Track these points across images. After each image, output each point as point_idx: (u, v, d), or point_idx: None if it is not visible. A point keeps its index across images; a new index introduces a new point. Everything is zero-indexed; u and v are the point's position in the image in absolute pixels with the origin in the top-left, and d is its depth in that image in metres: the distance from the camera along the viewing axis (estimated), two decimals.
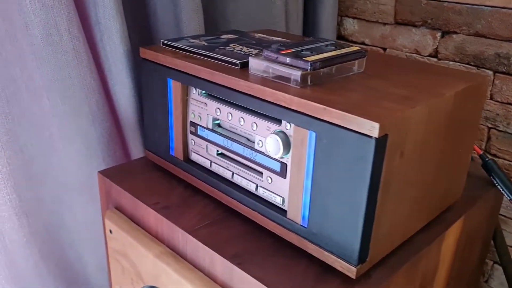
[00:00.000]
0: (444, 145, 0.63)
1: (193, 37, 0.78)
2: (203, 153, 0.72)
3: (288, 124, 0.58)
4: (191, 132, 0.73)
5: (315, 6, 1.08)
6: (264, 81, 0.60)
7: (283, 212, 0.62)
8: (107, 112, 0.84)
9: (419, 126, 0.56)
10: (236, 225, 0.68)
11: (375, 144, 0.49)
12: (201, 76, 0.66)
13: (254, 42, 0.77)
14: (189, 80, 0.69)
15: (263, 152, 0.63)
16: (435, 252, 0.69)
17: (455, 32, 1.04)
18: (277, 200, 0.63)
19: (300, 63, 0.58)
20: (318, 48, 0.63)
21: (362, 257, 0.55)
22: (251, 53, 0.69)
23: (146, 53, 0.75)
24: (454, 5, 1.02)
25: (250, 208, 0.66)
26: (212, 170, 0.72)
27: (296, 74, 0.58)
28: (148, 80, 0.76)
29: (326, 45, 0.65)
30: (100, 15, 0.76)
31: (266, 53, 0.62)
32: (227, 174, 0.69)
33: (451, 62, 1.06)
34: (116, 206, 0.80)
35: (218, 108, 0.67)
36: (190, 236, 0.66)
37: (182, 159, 0.75)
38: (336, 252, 0.57)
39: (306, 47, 0.64)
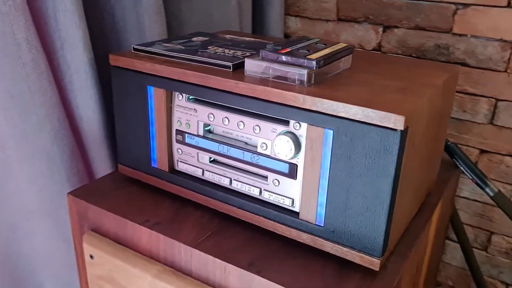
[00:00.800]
0: (434, 134, 0.67)
1: (164, 41, 0.74)
2: (193, 162, 0.69)
3: (298, 124, 0.58)
4: (178, 141, 0.69)
5: (263, 5, 1.08)
6: (265, 82, 0.59)
7: (294, 213, 0.62)
8: (69, 128, 0.76)
9: (423, 117, 0.58)
10: (239, 232, 0.66)
11: (400, 137, 0.50)
12: (190, 81, 0.63)
13: (230, 43, 0.75)
14: (175, 86, 0.65)
15: (268, 155, 0.61)
16: (425, 235, 0.72)
17: (396, 27, 1.10)
18: (286, 202, 0.62)
19: (304, 62, 0.58)
20: (311, 46, 0.63)
21: (384, 248, 0.56)
22: (236, 55, 0.67)
23: (118, 60, 0.70)
24: (394, 1, 1.08)
25: (253, 213, 0.64)
26: (205, 178, 0.69)
27: (301, 73, 0.57)
28: (121, 89, 0.71)
29: (316, 43, 0.65)
30: (61, 21, 0.69)
31: (264, 53, 0.60)
32: (224, 181, 0.67)
33: (394, 55, 1.12)
34: (94, 228, 0.73)
35: (211, 114, 0.65)
36: (196, 250, 0.62)
37: (167, 170, 0.71)
38: (357, 247, 0.57)
39: (299, 45, 0.63)
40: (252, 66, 0.61)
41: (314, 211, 0.59)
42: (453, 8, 1.02)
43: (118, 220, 0.69)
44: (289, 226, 0.62)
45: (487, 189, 0.88)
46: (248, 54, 0.68)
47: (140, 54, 0.70)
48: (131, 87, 0.70)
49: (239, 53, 0.68)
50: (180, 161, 0.70)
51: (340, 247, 0.58)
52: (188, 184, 0.70)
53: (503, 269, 1.15)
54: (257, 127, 0.61)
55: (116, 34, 0.81)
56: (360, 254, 0.57)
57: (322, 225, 0.59)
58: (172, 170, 0.72)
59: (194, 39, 0.77)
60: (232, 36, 0.81)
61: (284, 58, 0.59)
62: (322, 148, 0.56)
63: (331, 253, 0.59)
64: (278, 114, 0.58)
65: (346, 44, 0.66)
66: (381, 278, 0.58)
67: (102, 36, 0.80)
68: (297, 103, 0.56)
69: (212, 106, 0.64)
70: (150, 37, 0.80)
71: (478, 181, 0.88)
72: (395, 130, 0.50)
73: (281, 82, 0.59)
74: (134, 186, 0.76)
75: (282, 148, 0.58)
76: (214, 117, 0.64)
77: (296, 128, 0.58)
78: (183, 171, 0.71)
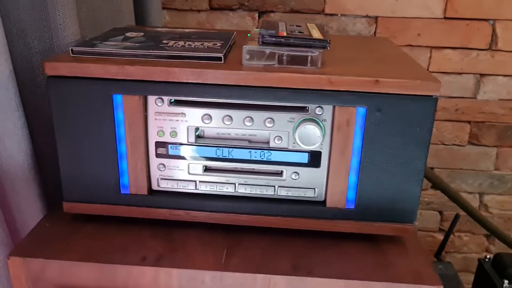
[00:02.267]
0: None
1: (100, 40, 0.60)
2: (182, 176, 0.59)
3: (320, 108, 0.54)
4: (159, 156, 0.58)
5: (142, 0, 0.97)
6: (274, 69, 0.54)
7: (319, 203, 0.58)
8: None
9: None
10: (257, 239, 0.59)
11: (435, 103, 0.53)
12: (179, 80, 0.53)
13: (178, 36, 0.65)
14: (157, 90, 0.54)
15: (285, 148, 0.56)
16: None
17: (273, 11, 1.12)
18: (308, 194, 0.58)
19: (316, 42, 0.54)
20: (298, 28, 0.60)
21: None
22: (209, 46, 0.59)
23: (59, 68, 0.54)
24: None
25: (268, 215, 0.59)
26: (199, 191, 0.59)
27: (315, 54, 0.54)
28: (66, 105, 0.55)
29: (298, 25, 0.62)
30: None
31: (266, 38, 0.54)
32: (228, 189, 0.59)
33: None
34: None
35: (208, 114, 0.56)
36: (226, 273, 0.54)
37: (146, 193, 0.59)
38: (390, 219, 0.58)
39: (286, 28, 0.59)
40: (253, 54, 0.55)
41: (344, 196, 0.57)
42: None
43: (99, 269, 0.54)
44: (316, 218, 0.58)
45: None
46: (218, 44, 0.60)
47: (86, 57, 0.55)
48: (83, 100, 0.55)
49: (208, 44, 0.60)
50: (163, 179, 0.59)
51: (372, 223, 0.58)
52: (176, 204, 0.59)
53: None
54: (270, 120, 0.55)
55: (17, 38, 0.62)
56: (394, 225, 0.58)
57: (353, 207, 0.58)
58: (151, 192, 0.60)
59: (129, 34, 0.65)
60: (166, 29, 0.71)
61: (292, 40, 0.54)
62: (354, 128, 0.54)
63: (364, 232, 0.59)
64: (297, 101, 0.54)
65: (315, 24, 0.65)
66: (411, 241, 0.60)
67: None
68: (322, 85, 0.53)
69: (207, 105, 0.56)
70: (63, 39, 0.64)
71: None
72: (431, 96, 0.52)
73: (290, 67, 0.54)
74: (92, 224, 0.61)
75: (309, 136, 0.54)
76: (211, 118, 0.56)
77: (319, 112, 0.55)
78: (168, 189, 0.59)
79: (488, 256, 1.00)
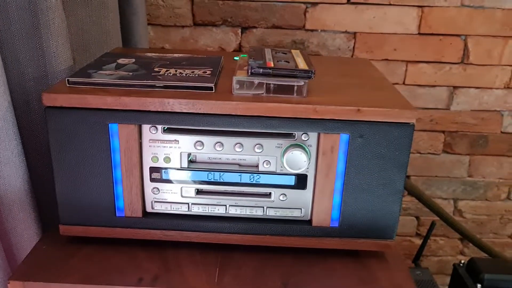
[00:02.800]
0: None
1: (94, 69, 0.63)
2: (175, 199, 0.61)
3: (305, 135, 0.58)
4: (153, 180, 0.60)
5: (129, 17, 0.98)
6: (262, 99, 0.57)
7: (305, 222, 0.62)
8: None
9: None
10: (248, 257, 0.63)
11: (413, 129, 0.57)
12: (172, 110, 0.56)
13: (168, 62, 0.68)
14: (151, 119, 0.57)
15: (273, 171, 0.60)
16: None
17: (255, 27, 1.15)
18: (295, 214, 0.62)
19: (302, 72, 0.58)
20: (283, 56, 0.64)
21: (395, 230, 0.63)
22: (199, 74, 0.62)
23: (57, 99, 0.56)
24: (249, 3, 1.13)
25: (259, 234, 0.62)
26: (192, 213, 0.62)
27: (300, 85, 0.58)
28: (64, 134, 0.57)
29: (283, 52, 0.66)
30: None
31: (255, 70, 0.58)
32: (219, 210, 0.62)
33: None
34: None
35: (200, 141, 0.59)
36: None
37: (140, 215, 0.62)
38: (372, 236, 0.62)
39: (272, 57, 0.63)
40: (243, 84, 0.58)
41: (329, 215, 0.61)
42: (303, 7, 1.13)
43: None
44: (303, 236, 0.62)
45: None
46: (208, 72, 0.63)
47: (82, 88, 0.58)
48: (80, 129, 0.57)
49: (199, 72, 0.63)
50: (156, 202, 0.62)
51: (355, 240, 0.62)
52: (169, 225, 0.62)
53: None
54: (259, 146, 0.59)
55: (7, 67, 0.63)
56: (375, 241, 0.62)
57: (337, 225, 0.61)
58: (145, 214, 0.62)
59: (121, 61, 0.67)
60: (154, 54, 0.73)
61: (279, 72, 0.58)
62: (337, 154, 0.58)
63: (347, 248, 0.63)
64: (285, 129, 0.57)
65: (298, 50, 0.69)
66: (393, 257, 0.65)
67: None
68: (307, 114, 0.56)
69: (199, 133, 0.59)
70: (56, 66, 0.66)
71: None
72: (409, 123, 0.56)
73: (277, 96, 0.58)
74: (89, 247, 0.63)
75: (295, 161, 0.58)
76: (203, 144, 0.59)
77: (305, 138, 0.58)
78: (161, 211, 0.62)
79: (462, 261, 1.06)
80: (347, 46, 1.16)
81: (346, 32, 1.15)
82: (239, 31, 1.16)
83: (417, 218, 1.35)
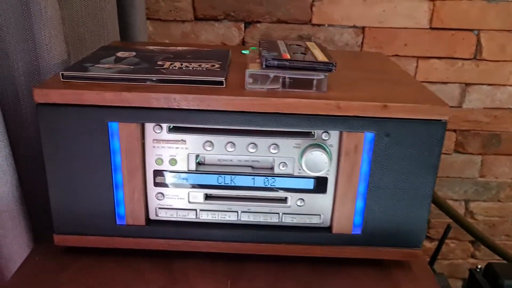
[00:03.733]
0: None
1: (91, 62, 0.57)
2: (182, 205, 0.56)
3: (326, 134, 0.53)
4: (157, 184, 0.55)
5: (127, 10, 0.93)
6: (278, 94, 0.51)
7: (324, 229, 0.57)
8: None
9: None
10: (261, 268, 0.57)
11: (445, 127, 0.51)
12: (179, 107, 0.50)
13: (172, 55, 0.62)
14: (155, 117, 0.51)
15: (290, 174, 0.54)
16: None
17: (259, 21, 1.10)
18: (314, 220, 0.56)
19: (322, 65, 0.52)
20: (299, 48, 0.58)
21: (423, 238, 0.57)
22: (206, 68, 0.56)
23: (49, 95, 0.50)
24: None
25: (273, 243, 0.57)
26: (200, 220, 0.57)
27: (320, 78, 0.52)
28: (57, 133, 0.52)
29: (298, 44, 0.60)
30: None
31: (270, 62, 0.52)
32: (230, 217, 0.56)
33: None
34: None
35: (209, 141, 0.53)
36: None
37: (143, 224, 0.56)
38: (398, 244, 0.56)
39: (287, 49, 0.57)
40: (256, 78, 0.52)
41: (351, 221, 0.56)
42: (310, 0, 1.08)
43: None
44: (322, 244, 0.56)
45: None
46: (216, 65, 0.58)
47: (78, 82, 0.52)
48: (76, 128, 0.51)
49: (206, 65, 0.58)
50: (161, 208, 0.56)
51: (379, 249, 0.57)
52: (175, 233, 0.56)
53: None
54: (275, 146, 0.53)
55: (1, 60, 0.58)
56: (401, 249, 0.57)
57: (360, 233, 0.56)
58: (149, 222, 0.57)
59: (120, 54, 0.61)
60: (155, 47, 0.67)
61: (296, 64, 0.52)
62: (361, 154, 0.53)
63: (370, 258, 0.57)
64: (303, 127, 0.52)
65: (314, 42, 0.63)
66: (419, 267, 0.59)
67: None
68: (329, 110, 0.51)
69: (209, 132, 0.53)
70: (49, 60, 0.60)
71: None
72: (440, 120, 0.51)
73: (294, 91, 0.52)
74: (86, 258, 0.57)
75: (315, 163, 0.52)
76: (213, 144, 0.53)
77: (325, 138, 0.53)
78: (166, 219, 0.57)
79: (479, 266, 1.00)
80: (355, 42, 1.11)
81: (354, 26, 1.10)
82: (242, 26, 1.10)
83: (428, 221, 1.30)
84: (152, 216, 0.57)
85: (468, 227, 1.08)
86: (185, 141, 0.53)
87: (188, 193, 0.55)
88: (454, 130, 1.20)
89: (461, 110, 1.18)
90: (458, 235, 1.31)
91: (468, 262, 1.35)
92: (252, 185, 0.55)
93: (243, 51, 0.71)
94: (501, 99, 1.17)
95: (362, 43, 1.11)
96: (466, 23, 1.10)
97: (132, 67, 0.56)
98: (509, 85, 1.16)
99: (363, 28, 1.10)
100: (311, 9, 1.08)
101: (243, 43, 1.12)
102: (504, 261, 1.10)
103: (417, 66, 1.14)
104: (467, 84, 1.16)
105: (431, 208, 1.25)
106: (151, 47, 0.67)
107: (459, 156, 1.22)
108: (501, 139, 1.21)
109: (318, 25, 1.10)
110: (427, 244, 1.32)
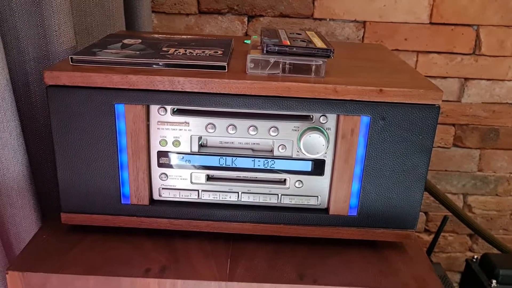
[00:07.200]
0: None
1: (99, 48, 0.59)
2: (184, 185, 0.58)
3: (324, 117, 0.55)
4: (161, 165, 0.57)
5: (133, 2, 0.95)
6: (278, 78, 0.53)
7: (321, 211, 0.59)
8: None
9: None
10: (260, 248, 0.59)
11: (438, 111, 0.53)
12: (183, 90, 0.53)
13: (177, 43, 0.64)
14: (160, 99, 0.53)
15: (289, 156, 0.56)
16: None
17: (262, 15, 1.12)
18: (311, 202, 0.58)
19: (320, 51, 0.54)
20: (298, 36, 0.60)
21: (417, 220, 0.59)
22: (210, 54, 0.58)
23: (60, 78, 0.52)
24: None
25: (272, 223, 0.59)
26: (202, 201, 0.59)
27: (319, 64, 0.54)
28: (67, 114, 0.54)
29: (298, 33, 0.62)
30: None
31: (271, 47, 0.54)
32: (231, 198, 0.58)
33: None
34: None
35: (211, 124, 0.55)
36: (233, 283, 0.54)
37: (147, 203, 0.58)
38: (392, 226, 0.58)
39: (288, 36, 0.59)
40: (257, 63, 0.54)
41: (347, 203, 0.58)
42: None
43: (103, 282, 0.53)
44: (319, 225, 0.58)
45: None
46: (219, 52, 0.60)
47: (86, 66, 0.54)
48: (84, 109, 0.54)
49: (210, 52, 0.60)
50: (164, 188, 0.58)
51: (374, 230, 0.59)
52: (177, 213, 0.58)
53: None
54: (275, 129, 0.55)
55: (13, 46, 0.60)
56: (395, 231, 0.59)
57: (356, 214, 0.58)
58: (152, 201, 0.59)
59: (126, 42, 0.63)
60: (161, 35, 0.70)
61: (296, 49, 0.54)
62: (358, 137, 0.55)
63: (366, 239, 0.59)
64: (302, 110, 0.54)
65: (314, 31, 0.65)
66: (412, 247, 0.61)
67: None
68: (327, 94, 0.53)
69: (211, 115, 0.55)
70: (58, 46, 0.62)
71: None
72: (434, 105, 0.53)
73: (293, 76, 0.54)
74: (92, 236, 0.60)
75: (313, 145, 0.54)
76: (215, 127, 0.55)
77: (323, 121, 0.55)
78: (169, 199, 0.59)
79: (475, 257, 1.02)
80: (356, 36, 1.13)
81: (355, 21, 1.12)
82: (246, 19, 1.12)
83: (426, 213, 1.32)
84: (156, 196, 0.59)
85: (467, 220, 1.10)
86: (188, 123, 0.55)
87: (191, 174, 0.58)
88: (453, 124, 1.22)
89: (460, 105, 1.20)
90: (456, 228, 1.32)
91: (465, 255, 1.37)
92: (252, 166, 0.57)
93: (245, 41, 0.73)
94: (499, 94, 1.19)
95: (363, 37, 1.13)
96: (466, 18, 1.12)
97: (138, 52, 0.58)
98: (508, 80, 1.18)
99: (364, 22, 1.12)
100: (313, 3, 1.10)
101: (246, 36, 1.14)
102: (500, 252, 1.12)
103: (417, 61, 1.15)
104: (466, 79, 1.17)
105: (430, 201, 1.27)
106: (156, 35, 0.69)
107: (457, 150, 1.24)
108: (500, 133, 1.23)
109: (320, 19, 1.12)
110: (425, 237, 1.33)
